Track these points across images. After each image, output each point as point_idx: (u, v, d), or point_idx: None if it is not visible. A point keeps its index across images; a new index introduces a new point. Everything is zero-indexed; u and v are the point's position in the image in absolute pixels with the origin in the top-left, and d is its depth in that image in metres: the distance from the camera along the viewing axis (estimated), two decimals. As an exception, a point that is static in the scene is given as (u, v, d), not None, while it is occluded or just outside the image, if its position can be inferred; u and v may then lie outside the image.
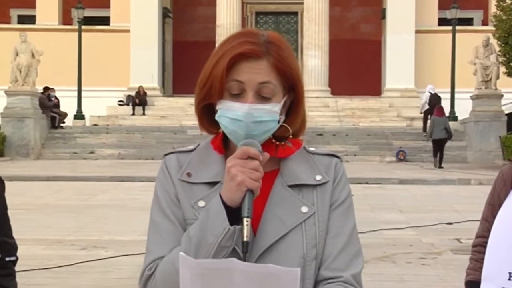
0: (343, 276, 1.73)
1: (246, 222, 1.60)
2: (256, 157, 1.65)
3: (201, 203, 1.74)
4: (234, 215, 1.62)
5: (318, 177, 1.79)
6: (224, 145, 1.81)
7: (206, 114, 1.80)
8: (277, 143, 1.80)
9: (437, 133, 21.60)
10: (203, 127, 1.83)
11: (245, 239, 1.60)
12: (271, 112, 1.71)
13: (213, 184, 1.76)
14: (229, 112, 1.71)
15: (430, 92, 26.18)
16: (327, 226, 1.76)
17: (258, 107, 1.70)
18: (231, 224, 1.61)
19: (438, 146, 21.85)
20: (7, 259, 2.66)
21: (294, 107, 1.79)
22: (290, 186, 1.77)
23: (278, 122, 1.75)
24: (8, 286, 2.65)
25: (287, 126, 1.78)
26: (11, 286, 2.68)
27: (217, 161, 1.79)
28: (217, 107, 1.74)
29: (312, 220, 1.75)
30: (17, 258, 2.72)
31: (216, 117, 1.74)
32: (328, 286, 1.73)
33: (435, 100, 25.48)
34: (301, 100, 1.79)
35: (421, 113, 26.82)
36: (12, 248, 2.69)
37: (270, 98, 1.71)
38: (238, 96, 1.71)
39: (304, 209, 1.75)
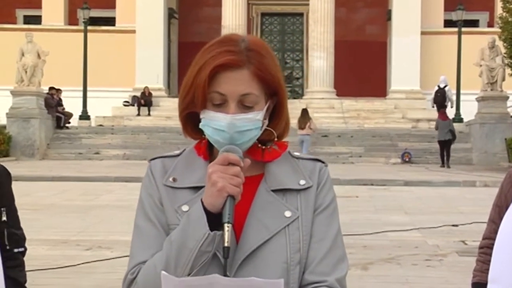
0: (328, 280, 1.72)
1: (227, 227, 1.61)
2: (237, 163, 1.65)
3: (185, 208, 1.73)
4: (215, 220, 1.63)
5: (302, 182, 1.78)
6: (209, 151, 1.81)
7: (190, 121, 1.80)
8: (263, 147, 1.80)
9: (442, 135, 22.18)
10: (187, 133, 1.83)
11: (226, 244, 1.59)
12: (254, 121, 1.71)
13: (197, 188, 1.76)
14: (213, 122, 1.71)
15: (438, 86, 26.03)
16: (311, 230, 1.76)
17: (241, 117, 1.70)
18: (213, 230, 1.62)
19: (444, 148, 22.62)
20: (16, 250, 2.66)
21: (277, 110, 1.79)
22: (274, 191, 1.76)
23: (262, 127, 1.74)
24: (17, 277, 2.65)
25: (272, 130, 1.79)
26: (20, 277, 2.68)
27: (202, 166, 1.78)
28: (201, 116, 1.74)
29: (296, 224, 1.74)
30: (25, 249, 2.72)
31: (200, 126, 1.74)
32: None
33: (436, 97, 25.53)
34: (284, 104, 1.80)
35: (433, 106, 26.73)
36: (20, 239, 2.69)
37: (252, 107, 1.71)
38: (220, 106, 1.71)
39: (288, 213, 1.74)
